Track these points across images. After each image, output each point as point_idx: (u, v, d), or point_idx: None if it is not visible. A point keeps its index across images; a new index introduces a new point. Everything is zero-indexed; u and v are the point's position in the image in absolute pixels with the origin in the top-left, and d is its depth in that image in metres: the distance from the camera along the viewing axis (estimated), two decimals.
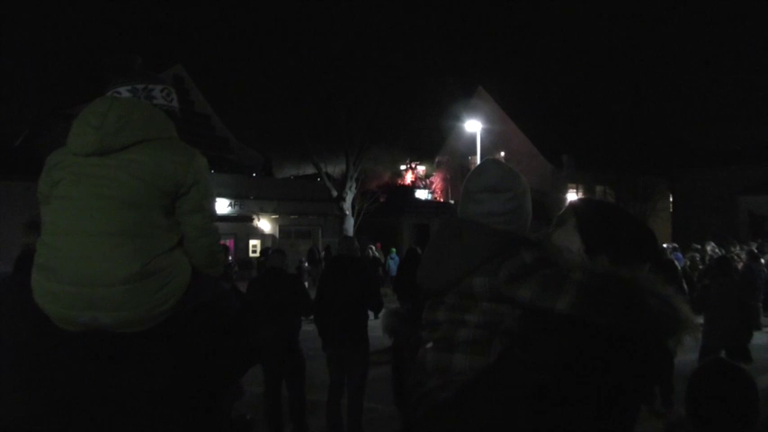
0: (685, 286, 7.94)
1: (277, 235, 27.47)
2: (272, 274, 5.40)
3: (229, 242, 25.73)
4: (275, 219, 27.42)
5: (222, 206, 25.18)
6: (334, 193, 23.57)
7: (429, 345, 1.59)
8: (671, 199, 36.81)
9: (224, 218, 24.38)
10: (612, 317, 1.34)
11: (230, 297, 1.73)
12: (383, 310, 2.08)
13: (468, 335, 1.54)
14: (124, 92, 1.69)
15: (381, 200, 28.36)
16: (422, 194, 35.08)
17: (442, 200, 34.90)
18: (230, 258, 22.84)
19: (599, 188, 32.81)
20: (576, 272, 1.41)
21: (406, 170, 36.15)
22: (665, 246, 13.98)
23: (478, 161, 24.08)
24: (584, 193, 34.69)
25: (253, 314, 1.78)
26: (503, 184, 1.68)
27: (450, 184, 34.60)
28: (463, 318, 1.56)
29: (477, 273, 1.55)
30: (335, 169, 24.65)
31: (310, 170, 25.88)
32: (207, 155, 1.74)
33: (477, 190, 1.70)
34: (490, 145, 31.20)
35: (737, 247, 15.18)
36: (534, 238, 1.62)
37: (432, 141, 34.32)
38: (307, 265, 21.59)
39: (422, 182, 36.57)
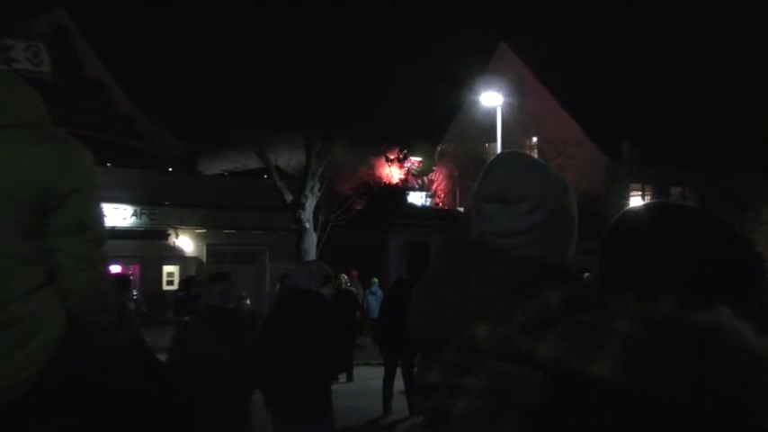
0: None
1: (204, 258, 27.60)
2: (211, 318, 5.50)
3: (133, 269, 25.81)
4: (202, 235, 27.58)
5: (122, 216, 25.21)
6: (289, 198, 23.71)
7: (419, 419, 1.66)
8: None
9: (125, 233, 24.45)
10: (679, 391, 1.34)
11: (129, 354, 1.73)
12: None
13: (467, 407, 1.59)
14: None
15: (358, 207, 28.42)
16: (417, 199, 35.32)
17: (445, 207, 35.14)
18: (134, 294, 22.86)
19: (675, 190, 33.13)
20: (623, 319, 1.42)
21: (395, 163, 36.05)
22: None
23: (498, 151, 23.62)
24: (655, 198, 34.97)
25: (174, 381, 1.80)
26: (515, 188, 1.73)
27: (459, 184, 34.77)
28: (462, 382, 1.62)
29: (482, 318, 1.60)
30: (291, 162, 24.87)
31: (253, 164, 25.91)
32: (100, 142, 1.72)
33: (482, 199, 1.77)
34: (517, 127, 31.39)
35: None
36: (573, 269, 1.68)
37: (432, 122, 34.68)
38: (249, 302, 21.57)
39: (417, 180, 36.77)
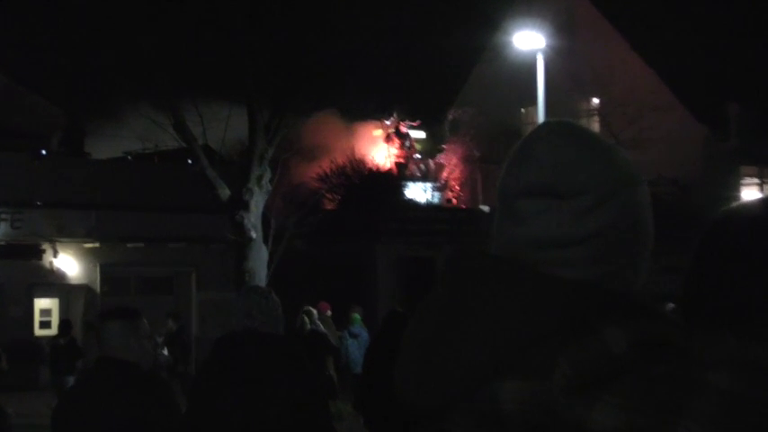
0: None
1: (97, 287, 27.86)
2: (106, 378, 5.55)
3: None
4: (93, 251, 27.80)
5: None
6: (226, 194, 24.08)
7: None
8: None
9: None
10: None
11: None
12: None
13: None
14: None
15: (330, 206, 29.18)
16: (418, 193, 35.75)
17: (461, 204, 35.85)
18: None
19: None
20: (720, 369, 1.49)
21: (386, 139, 36.73)
22: None
23: (540, 119, 24.21)
24: None
25: None
26: (569, 176, 1.77)
27: (481, 170, 35.14)
28: None
29: (509, 372, 1.64)
30: (227, 140, 25.26)
31: (170, 142, 26.02)
32: None
33: (516, 192, 1.81)
34: (567, 84, 31.64)
35: None
36: (646, 297, 1.73)
37: (441, 78, 35.41)
38: (167, 352, 21.91)
39: (419, 165, 37.24)
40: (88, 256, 27.72)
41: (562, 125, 1.86)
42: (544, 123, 1.89)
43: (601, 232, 1.75)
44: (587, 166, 1.77)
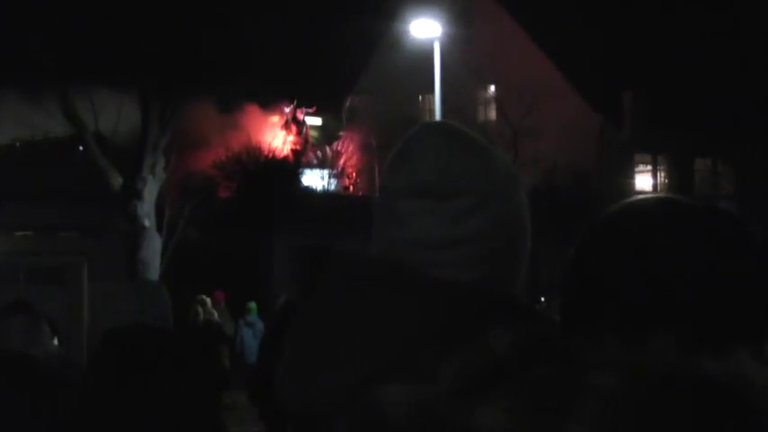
0: None
1: None
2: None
3: None
4: None
5: None
6: (118, 182, 24.17)
7: None
8: None
9: None
10: None
11: None
12: None
13: None
14: None
15: (225, 194, 29.19)
16: (315, 180, 36.12)
17: (359, 192, 36.24)
18: None
19: (701, 164, 34.12)
20: (601, 370, 1.51)
21: (282, 127, 36.91)
22: None
23: (437, 108, 24.53)
24: (669, 176, 35.77)
25: None
26: (452, 177, 1.79)
27: (378, 159, 34.93)
28: None
29: (393, 375, 1.63)
30: (119, 127, 25.32)
31: (60, 129, 26.20)
32: None
33: (397, 193, 1.82)
34: (465, 71, 31.93)
35: None
36: (524, 298, 1.81)
37: (338, 65, 35.88)
38: (56, 342, 21.81)
39: (316, 153, 37.61)
40: None
41: (442, 126, 1.92)
42: (424, 124, 1.90)
43: (481, 234, 1.77)
44: (467, 168, 1.80)
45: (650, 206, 1.69)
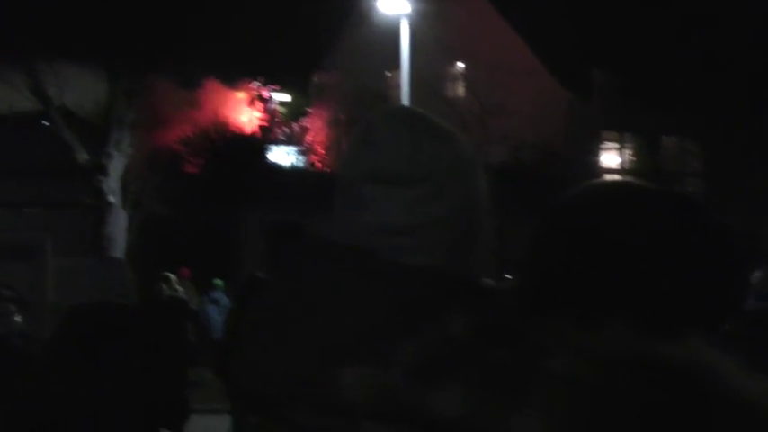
0: None
1: None
2: None
3: None
4: None
5: None
6: (84, 157, 24.09)
7: None
8: None
9: None
10: None
11: None
12: None
13: None
14: None
15: (193, 170, 29.07)
16: (283, 156, 36.16)
17: (327, 168, 35.83)
18: None
19: (669, 141, 34.57)
20: (556, 355, 1.53)
21: (249, 101, 36.78)
22: None
23: (404, 84, 24.57)
24: (636, 153, 36.03)
25: None
26: (412, 163, 1.81)
27: (346, 135, 34.67)
28: None
29: (350, 358, 1.65)
30: (85, 101, 25.22)
31: (25, 104, 25.73)
32: None
33: (358, 178, 1.83)
34: (432, 47, 31.97)
35: None
36: (483, 281, 1.84)
37: (309, 41, 35.66)
38: (19, 318, 21.93)
39: (284, 129, 37.40)
40: None
41: (403, 111, 1.92)
42: (385, 109, 1.96)
43: (442, 219, 1.79)
44: (428, 153, 1.81)
45: (606, 191, 1.73)
